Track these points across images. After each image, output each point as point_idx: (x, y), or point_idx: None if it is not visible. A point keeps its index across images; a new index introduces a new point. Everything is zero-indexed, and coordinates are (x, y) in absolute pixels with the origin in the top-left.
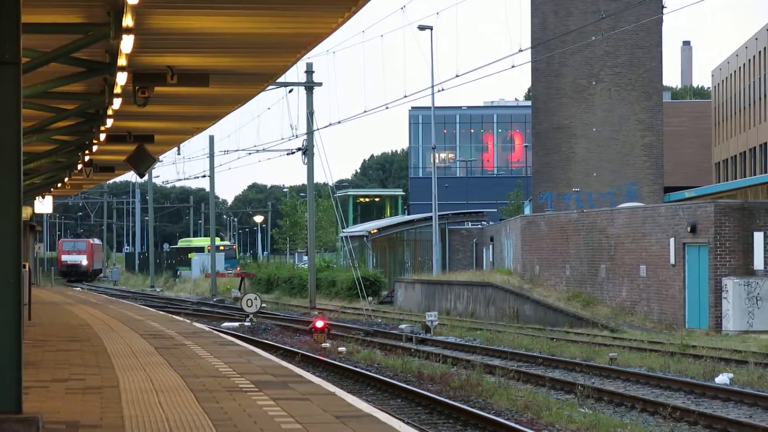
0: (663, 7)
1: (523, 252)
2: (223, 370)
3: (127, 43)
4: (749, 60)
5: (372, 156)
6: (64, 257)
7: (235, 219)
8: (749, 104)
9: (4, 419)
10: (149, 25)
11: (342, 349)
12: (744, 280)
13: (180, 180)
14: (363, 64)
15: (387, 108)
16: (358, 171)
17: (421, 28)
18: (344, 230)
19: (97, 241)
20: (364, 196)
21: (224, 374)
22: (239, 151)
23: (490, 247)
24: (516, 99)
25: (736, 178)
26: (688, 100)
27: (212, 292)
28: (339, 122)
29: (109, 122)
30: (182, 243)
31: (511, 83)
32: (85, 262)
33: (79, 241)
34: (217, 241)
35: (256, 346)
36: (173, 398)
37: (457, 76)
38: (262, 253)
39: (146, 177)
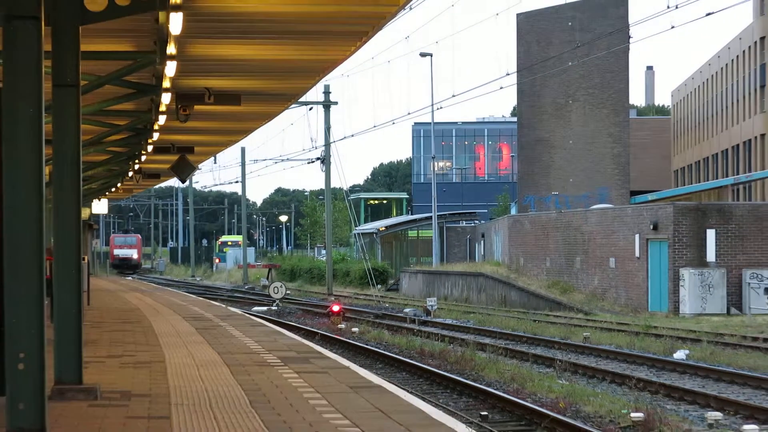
0: (629, 37)
1: (510, 246)
2: (253, 348)
3: (170, 68)
4: (703, 82)
5: (380, 164)
6: (116, 251)
7: (264, 218)
8: (703, 120)
9: (67, 389)
10: (190, 52)
11: (355, 329)
12: (698, 271)
13: (216, 185)
14: (372, 86)
15: (393, 123)
16: (369, 177)
17: (423, 55)
18: (357, 228)
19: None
20: (374, 199)
21: (254, 351)
22: (267, 161)
23: (482, 242)
24: (503, 116)
25: (692, 183)
26: (651, 116)
27: (244, 281)
28: (352, 135)
29: (156, 136)
30: (224, 238)
31: (499, 102)
32: (135, 256)
33: (129, 236)
34: (234, 238)
35: (282, 327)
36: (211, 372)
37: (453, 96)
38: (287, 248)
39: (187, 182)
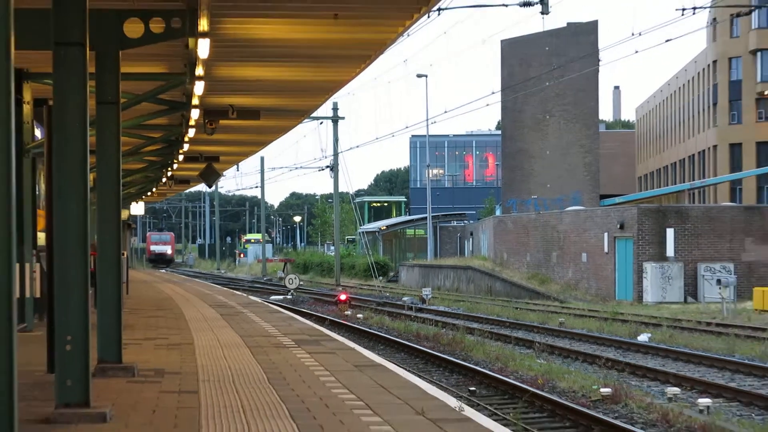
0: (599, 60)
1: (495, 243)
2: (271, 331)
3: (199, 87)
4: (663, 100)
5: (382, 171)
6: (152, 247)
7: (280, 219)
8: (663, 133)
9: (109, 367)
10: (215, 74)
11: (360, 315)
12: (659, 264)
13: (238, 190)
14: (375, 103)
15: (393, 136)
16: (372, 183)
17: (419, 76)
18: (361, 227)
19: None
20: (376, 202)
21: (272, 334)
22: (283, 168)
23: (470, 239)
24: (489, 129)
25: (653, 188)
26: (617, 130)
27: (263, 273)
28: (357, 146)
29: (186, 146)
30: (247, 236)
31: (485, 117)
32: (169, 251)
33: (163, 234)
34: (254, 236)
35: (296, 314)
36: (234, 352)
37: (445, 111)
38: (300, 245)
39: (213, 187)
